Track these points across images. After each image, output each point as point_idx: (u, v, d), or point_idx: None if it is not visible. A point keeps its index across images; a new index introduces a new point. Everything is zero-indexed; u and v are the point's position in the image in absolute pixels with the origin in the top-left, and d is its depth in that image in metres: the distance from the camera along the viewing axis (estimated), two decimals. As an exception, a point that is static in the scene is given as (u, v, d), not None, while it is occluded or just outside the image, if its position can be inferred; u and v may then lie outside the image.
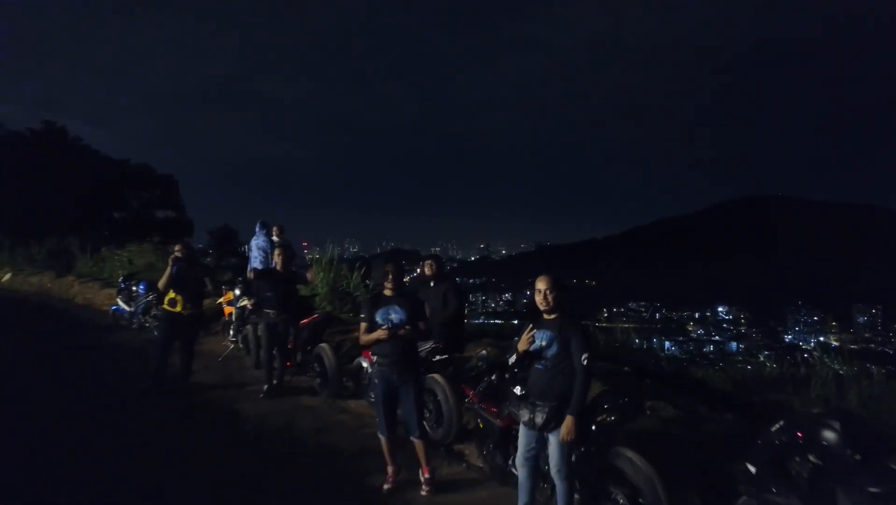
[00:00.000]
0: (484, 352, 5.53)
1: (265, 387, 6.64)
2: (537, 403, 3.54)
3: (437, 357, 5.42)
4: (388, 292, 4.32)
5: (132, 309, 10.75)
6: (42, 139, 30.71)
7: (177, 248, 6.76)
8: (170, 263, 6.56)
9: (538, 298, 3.57)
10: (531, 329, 3.60)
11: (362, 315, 4.40)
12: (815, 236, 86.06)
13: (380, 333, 4.21)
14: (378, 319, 4.25)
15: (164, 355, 6.65)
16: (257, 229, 9.90)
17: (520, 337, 3.66)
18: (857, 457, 2.68)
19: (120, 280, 11.64)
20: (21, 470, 4.49)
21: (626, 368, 6.35)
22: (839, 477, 2.67)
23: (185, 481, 4.38)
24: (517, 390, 3.71)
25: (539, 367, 3.59)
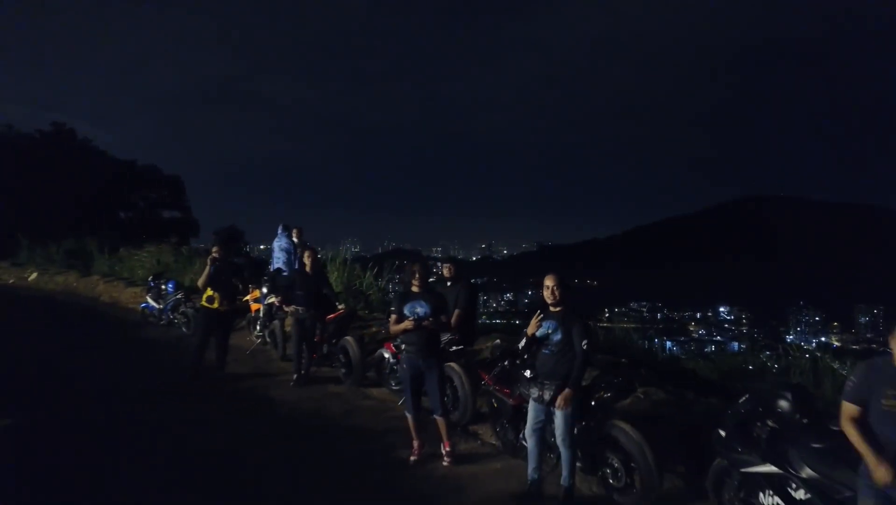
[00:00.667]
0: (498, 341, 6.15)
1: (294, 376, 7.26)
2: (545, 382, 4.18)
3: (455, 347, 6.04)
4: (415, 289, 4.93)
5: (161, 306, 11.34)
6: (51, 141, 31.12)
7: (214, 249, 7.36)
8: (208, 262, 7.17)
9: (546, 293, 4.20)
10: (540, 315, 4.24)
11: (392, 308, 5.04)
12: (815, 236, 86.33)
13: (407, 324, 4.82)
14: (406, 311, 4.85)
15: (203, 348, 7.24)
16: (279, 231, 10.27)
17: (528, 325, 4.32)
18: (805, 421, 3.32)
19: (150, 279, 12.25)
20: (74, 448, 5.10)
21: (623, 360, 6.94)
22: (791, 437, 3.30)
23: (230, 456, 4.95)
24: (527, 373, 4.37)
25: (546, 352, 4.23)
